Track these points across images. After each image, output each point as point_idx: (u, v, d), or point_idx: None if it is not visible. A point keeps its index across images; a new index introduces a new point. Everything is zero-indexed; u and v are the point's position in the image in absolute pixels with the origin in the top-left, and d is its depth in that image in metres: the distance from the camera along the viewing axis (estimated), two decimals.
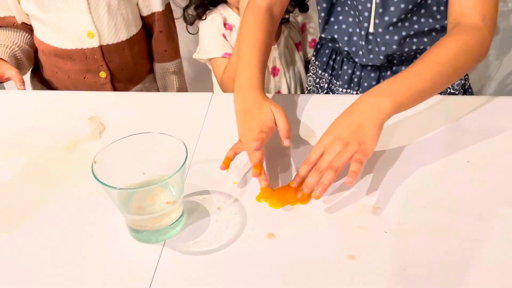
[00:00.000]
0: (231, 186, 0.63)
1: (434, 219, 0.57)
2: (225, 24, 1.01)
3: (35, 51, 1.03)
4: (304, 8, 1.06)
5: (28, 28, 1.02)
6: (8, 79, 0.92)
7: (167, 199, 0.55)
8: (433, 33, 0.81)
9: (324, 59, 0.95)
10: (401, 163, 0.65)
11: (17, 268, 0.53)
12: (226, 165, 0.62)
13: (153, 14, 1.03)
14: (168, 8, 1.05)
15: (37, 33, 1.00)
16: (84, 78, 1.01)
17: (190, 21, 1.05)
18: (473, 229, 0.55)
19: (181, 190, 0.55)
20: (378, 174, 0.63)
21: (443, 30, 0.81)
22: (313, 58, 1.00)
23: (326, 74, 0.96)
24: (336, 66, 0.93)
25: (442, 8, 0.78)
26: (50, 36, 0.98)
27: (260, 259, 0.53)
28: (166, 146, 0.56)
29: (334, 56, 0.93)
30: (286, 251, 0.54)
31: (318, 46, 0.98)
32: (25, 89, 0.90)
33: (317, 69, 0.98)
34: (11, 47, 0.96)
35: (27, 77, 1.07)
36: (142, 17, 1.04)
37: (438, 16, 0.79)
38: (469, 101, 0.78)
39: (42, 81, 1.07)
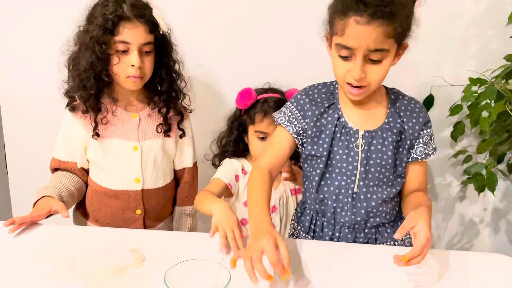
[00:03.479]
0: None
1: None
2: (242, 169, 1.35)
3: (79, 191, 1.27)
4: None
5: (81, 173, 1.27)
6: (55, 212, 1.13)
7: None
8: (395, 199, 1.13)
9: (307, 224, 1.16)
10: None
11: None
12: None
13: (184, 168, 1.34)
14: (195, 164, 1.36)
15: (93, 176, 1.27)
16: (123, 213, 1.26)
17: (216, 165, 1.41)
18: None
19: None
20: None
21: (398, 196, 1.13)
22: (295, 224, 1.21)
23: (309, 237, 1.16)
24: (317, 229, 1.14)
25: (399, 180, 1.11)
26: (104, 179, 1.25)
27: None
28: (210, 270, 0.78)
29: (314, 221, 1.15)
30: None
31: (299, 214, 1.20)
32: (68, 216, 1.12)
33: (301, 233, 1.18)
34: (60, 188, 1.20)
35: (70, 210, 1.29)
36: (174, 170, 1.34)
37: (398, 187, 1.11)
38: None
39: (83, 214, 1.30)
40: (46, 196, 1.16)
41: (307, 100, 1.10)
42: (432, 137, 1.11)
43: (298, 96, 1.12)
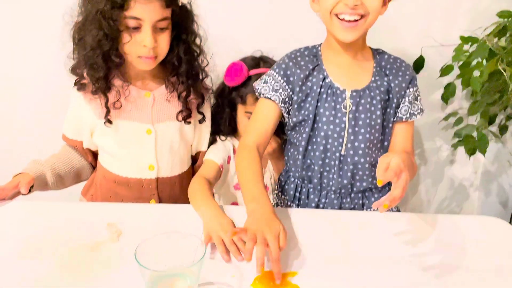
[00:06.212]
0: (230, 278, 0.79)
1: None
2: (234, 149, 1.27)
3: (78, 172, 1.17)
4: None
5: (86, 152, 1.17)
6: (20, 185, 1.03)
7: (185, 286, 0.71)
8: None
9: (291, 192, 1.13)
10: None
11: None
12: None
13: (199, 152, 1.22)
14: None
15: (103, 161, 1.16)
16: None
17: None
18: None
19: (197, 279, 0.71)
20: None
21: None
22: (279, 194, 1.17)
23: (293, 205, 1.13)
24: (303, 197, 1.11)
25: (385, 143, 1.08)
26: (114, 165, 1.14)
27: None
28: (186, 244, 0.73)
29: (300, 189, 1.12)
30: None
31: (283, 183, 1.16)
32: (26, 193, 1.03)
33: (286, 201, 1.15)
34: (45, 166, 1.10)
35: (77, 196, 1.20)
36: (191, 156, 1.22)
37: (386, 151, 1.08)
38: (412, 218, 1.01)
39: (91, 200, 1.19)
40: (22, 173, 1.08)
41: (290, 64, 1.06)
42: (419, 97, 1.09)
43: (281, 61, 1.08)
